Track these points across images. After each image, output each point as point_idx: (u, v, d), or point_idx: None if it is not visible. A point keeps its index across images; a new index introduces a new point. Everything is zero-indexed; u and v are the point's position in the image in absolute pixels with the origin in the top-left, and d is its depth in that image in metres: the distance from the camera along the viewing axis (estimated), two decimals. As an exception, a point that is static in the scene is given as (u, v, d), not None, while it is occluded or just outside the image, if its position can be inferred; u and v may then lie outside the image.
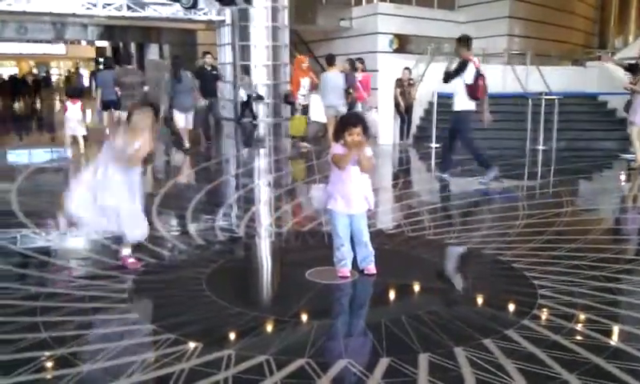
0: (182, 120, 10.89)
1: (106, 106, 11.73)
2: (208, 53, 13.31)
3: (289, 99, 14.78)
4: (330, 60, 11.20)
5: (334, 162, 4.00)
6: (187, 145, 10.84)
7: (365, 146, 3.92)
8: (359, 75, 11.88)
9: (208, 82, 12.21)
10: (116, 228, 4.24)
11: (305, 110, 13.12)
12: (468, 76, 7.54)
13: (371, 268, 4.13)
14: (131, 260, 4.34)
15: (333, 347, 3.15)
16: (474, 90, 7.53)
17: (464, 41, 7.83)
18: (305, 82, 13.08)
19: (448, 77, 7.84)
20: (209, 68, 12.62)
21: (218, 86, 12.99)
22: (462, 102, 7.68)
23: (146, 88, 11.20)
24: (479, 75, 7.57)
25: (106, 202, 4.10)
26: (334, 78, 10.73)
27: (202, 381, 2.68)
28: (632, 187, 8.52)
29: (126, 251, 4.35)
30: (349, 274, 4.06)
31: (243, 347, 3.03)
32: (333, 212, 4.05)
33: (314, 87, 12.70)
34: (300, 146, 11.38)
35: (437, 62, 15.10)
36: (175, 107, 10.89)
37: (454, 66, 7.69)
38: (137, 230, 4.26)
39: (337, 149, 3.97)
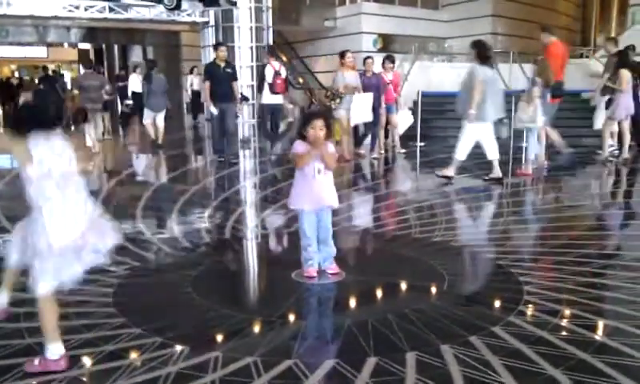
0: (151, 118, 11.82)
1: None
2: (221, 44, 10.38)
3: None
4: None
5: (294, 160, 4.00)
6: (155, 139, 11.80)
7: (325, 143, 3.90)
8: (389, 74, 10.64)
9: (221, 83, 9.51)
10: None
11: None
12: (268, 76, 9.73)
13: (333, 267, 4.14)
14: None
15: (320, 347, 3.15)
16: (272, 87, 9.67)
17: (268, 50, 10.72)
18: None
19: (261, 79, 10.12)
20: (222, 64, 9.64)
21: (234, 87, 9.78)
22: (266, 97, 9.83)
23: (104, 91, 11.86)
24: (277, 75, 9.62)
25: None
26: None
27: (189, 384, 2.67)
28: (615, 182, 8.61)
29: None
30: (315, 274, 4.07)
31: (230, 349, 3.02)
32: (300, 211, 4.04)
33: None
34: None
35: (421, 61, 15.23)
36: (146, 106, 11.91)
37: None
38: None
39: (298, 147, 3.96)
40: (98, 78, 11.91)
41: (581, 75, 13.37)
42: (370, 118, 9.71)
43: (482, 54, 7.64)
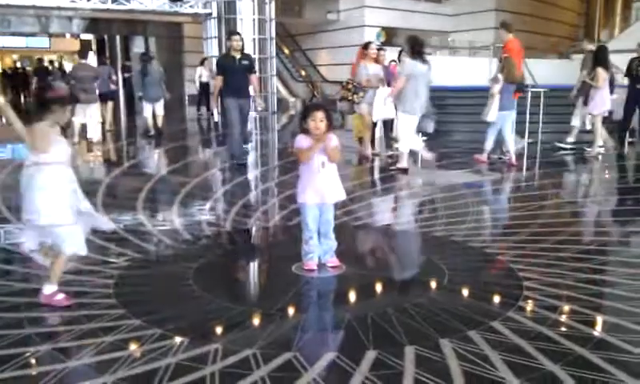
0: (149, 110, 11.97)
1: (102, 98, 12.71)
2: (235, 33, 8.98)
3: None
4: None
5: (297, 155, 3.99)
6: (154, 129, 11.95)
7: (328, 136, 3.88)
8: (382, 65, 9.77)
9: (236, 76, 8.41)
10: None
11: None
12: None
13: (334, 260, 4.13)
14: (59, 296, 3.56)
15: (319, 340, 3.16)
16: None
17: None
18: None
19: None
20: (237, 55, 8.52)
21: (253, 81, 8.74)
22: None
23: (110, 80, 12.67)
24: None
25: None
26: None
27: (189, 375, 2.67)
28: (614, 179, 8.61)
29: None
30: (315, 267, 4.07)
31: (230, 341, 3.02)
32: (303, 205, 4.03)
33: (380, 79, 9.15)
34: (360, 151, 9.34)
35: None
36: (143, 98, 12.15)
37: None
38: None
39: (300, 141, 3.95)
40: (93, 69, 12.01)
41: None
42: (393, 114, 9.47)
43: (413, 48, 7.88)
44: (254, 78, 8.74)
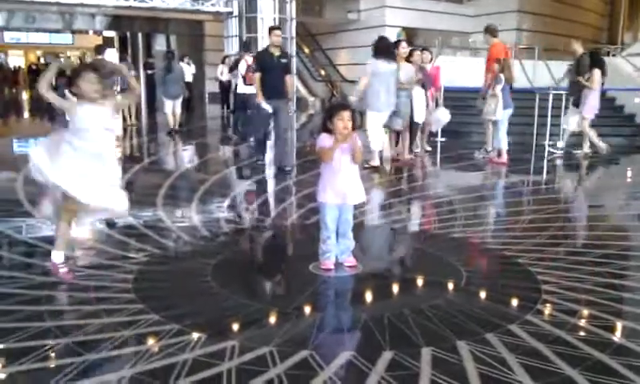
0: (170, 106, 12.23)
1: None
2: (276, 28, 8.52)
3: None
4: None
5: (319, 155, 3.98)
6: (173, 126, 12.19)
7: (352, 135, 3.87)
8: (427, 66, 9.54)
9: (273, 75, 7.90)
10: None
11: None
12: (241, 69, 10.53)
13: (351, 259, 4.13)
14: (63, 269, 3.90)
15: (336, 339, 3.16)
16: (245, 79, 10.33)
17: (243, 45, 12.38)
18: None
19: (231, 69, 11.63)
20: (276, 53, 8.02)
21: (287, 81, 8.18)
22: (241, 87, 10.61)
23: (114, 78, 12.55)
24: (250, 68, 9.93)
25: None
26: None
27: (206, 371, 2.70)
28: (634, 183, 8.50)
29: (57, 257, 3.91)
30: (332, 267, 4.07)
31: (247, 338, 3.04)
32: (323, 204, 4.03)
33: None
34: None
35: (445, 55, 15.13)
36: (164, 95, 12.43)
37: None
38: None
39: (323, 140, 3.93)
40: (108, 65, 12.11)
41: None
42: (424, 116, 9.23)
43: (377, 49, 8.06)
44: (288, 78, 8.24)
